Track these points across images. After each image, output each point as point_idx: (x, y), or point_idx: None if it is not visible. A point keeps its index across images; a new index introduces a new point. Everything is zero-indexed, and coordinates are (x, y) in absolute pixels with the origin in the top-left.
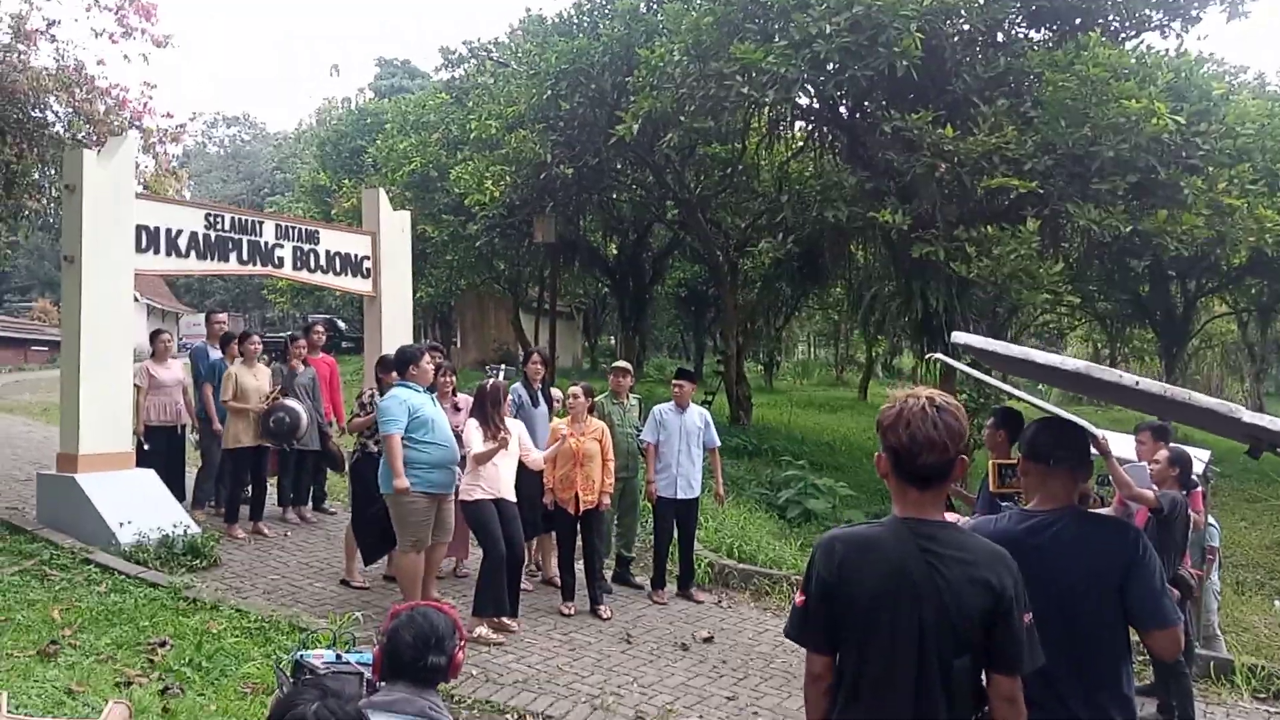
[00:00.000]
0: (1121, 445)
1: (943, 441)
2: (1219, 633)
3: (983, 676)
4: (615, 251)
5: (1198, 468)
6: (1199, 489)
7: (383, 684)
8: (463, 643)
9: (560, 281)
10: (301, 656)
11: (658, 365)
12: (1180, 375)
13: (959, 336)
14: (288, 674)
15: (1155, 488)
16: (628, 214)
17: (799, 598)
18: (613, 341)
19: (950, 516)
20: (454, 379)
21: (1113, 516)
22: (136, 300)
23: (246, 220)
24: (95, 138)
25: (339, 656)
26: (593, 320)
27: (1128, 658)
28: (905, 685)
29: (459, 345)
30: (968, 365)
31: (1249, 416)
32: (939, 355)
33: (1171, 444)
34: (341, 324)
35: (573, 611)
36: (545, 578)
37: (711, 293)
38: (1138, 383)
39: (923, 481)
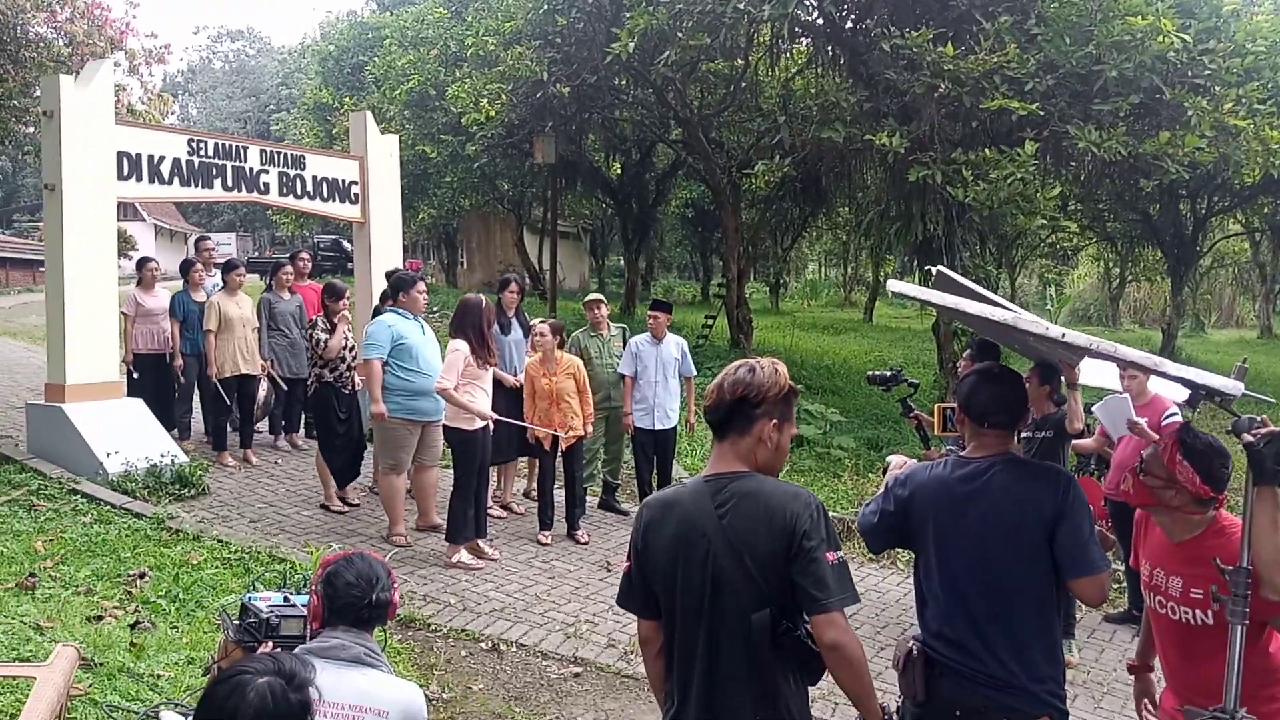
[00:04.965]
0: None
1: (715, 389)
2: None
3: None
4: (619, 171)
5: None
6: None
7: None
8: (396, 586)
9: (563, 202)
10: (249, 599)
11: (665, 286)
12: (1190, 295)
13: (893, 285)
14: (232, 617)
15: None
16: (630, 134)
17: (625, 564)
18: (621, 262)
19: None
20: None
21: (1046, 464)
22: (144, 221)
23: (230, 146)
24: (77, 60)
25: (286, 599)
26: (599, 241)
27: (1054, 605)
28: (701, 643)
29: (464, 266)
30: (929, 293)
31: (1174, 370)
32: (896, 286)
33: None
34: (347, 245)
35: (549, 540)
36: (503, 503)
37: (717, 213)
38: (1064, 334)
39: (717, 431)
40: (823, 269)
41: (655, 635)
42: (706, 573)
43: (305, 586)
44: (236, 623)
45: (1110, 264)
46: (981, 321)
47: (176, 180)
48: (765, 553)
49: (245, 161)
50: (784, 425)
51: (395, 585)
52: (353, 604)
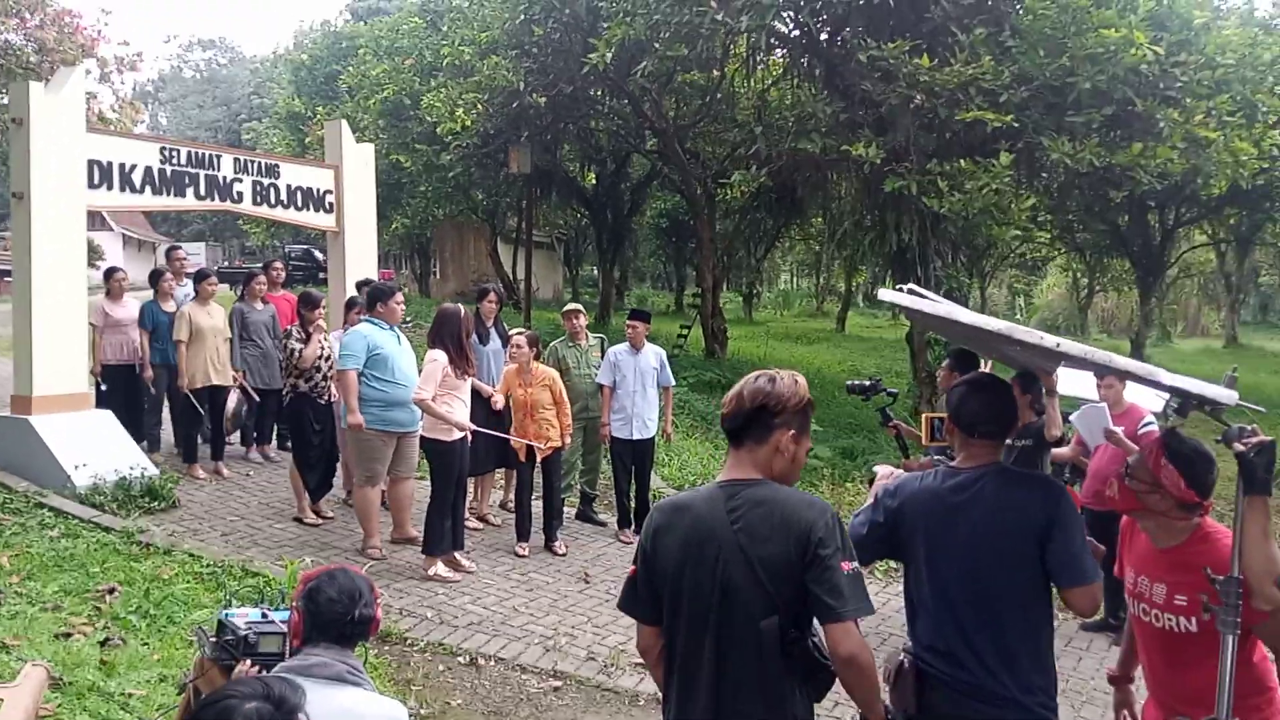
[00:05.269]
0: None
1: (734, 397)
2: None
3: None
4: (594, 182)
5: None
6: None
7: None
8: (378, 602)
9: (538, 212)
10: (226, 615)
11: (640, 296)
12: (1158, 305)
13: (884, 294)
14: (209, 634)
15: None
16: (605, 144)
17: (631, 569)
18: (595, 272)
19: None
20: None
21: (1037, 474)
22: (112, 230)
23: (203, 154)
24: (47, 67)
25: (264, 615)
26: (573, 251)
27: (1044, 615)
28: (707, 648)
29: (438, 276)
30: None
31: (1168, 379)
32: (887, 294)
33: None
34: (319, 254)
35: (527, 552)
36: (480, 514)
37: (692, 223)
38: (1059, 344)
39: (733, 439)
40: (795, 279)
41: (656, 641)
42: (716, 578)
43: (283, 602)
44: (213, 640)
45: (1079, 274)
46: (969, 330)
47: (148, 189)
48: (779, 561)
49: (218, 170)
50: (801, 437)
51: (378, 600)
52: (335, 620)
